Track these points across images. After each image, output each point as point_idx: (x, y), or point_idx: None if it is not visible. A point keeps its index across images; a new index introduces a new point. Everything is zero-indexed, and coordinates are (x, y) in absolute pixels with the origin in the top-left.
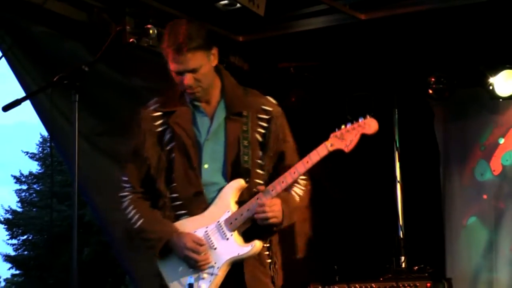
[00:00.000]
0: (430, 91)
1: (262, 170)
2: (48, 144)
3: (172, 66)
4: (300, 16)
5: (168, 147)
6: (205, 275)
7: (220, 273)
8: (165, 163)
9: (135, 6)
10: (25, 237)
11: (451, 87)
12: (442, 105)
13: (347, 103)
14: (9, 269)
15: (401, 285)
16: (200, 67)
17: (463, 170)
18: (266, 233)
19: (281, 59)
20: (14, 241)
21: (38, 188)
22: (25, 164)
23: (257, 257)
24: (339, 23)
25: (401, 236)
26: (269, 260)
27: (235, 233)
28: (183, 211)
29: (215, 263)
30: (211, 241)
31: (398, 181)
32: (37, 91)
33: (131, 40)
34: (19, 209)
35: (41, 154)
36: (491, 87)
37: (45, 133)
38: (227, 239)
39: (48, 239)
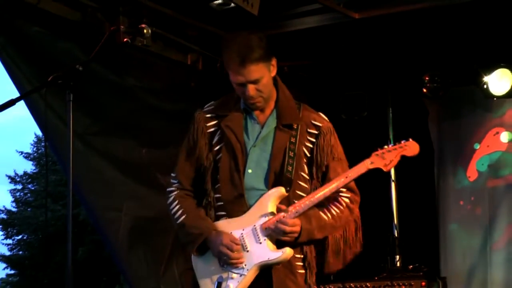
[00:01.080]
0: (424, 90)
1: (306, 183)
2: (42, 143)
3: (235, 78)
4: (293, 15)
5: (216, 148)
6: (234, 275)
7: (248, 275)
8: (211, 163)
9: (129, 6)
10: (20, 237)
11: (445, 86)
12: (436, 103)
13: (341, 102)
14: (4, 269)
15: (396, 284)
16: (262, 78)
17: (456, 169)
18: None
19: (276, 58)
20: (9, 241)
21: (32, 188)
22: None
23: (288, 265)
24: (333, 22)
25: (396, 235)
26: (302, 271)
27: (268, 240)
28: (223, 212)
29: (245, 264)
30: (245, 243)
31: (393, 180)
32: (31, 91)
33: (125, 39)
34: (13, 209)
35: (35, 154)
36: (485, 86)
37: (40, 133)
38: (260, 243)
39: (42, 239)
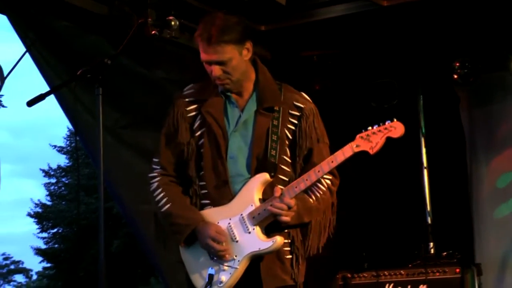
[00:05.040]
0: (455, 76)
1: (288, 167)
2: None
3: (202, 56)
4: (321, 4)
5: (198, 133)
6: (225, 267)
7: (240, 267)
8: (194, 149)
9: None
10: (55, 230)
11: (476, 72)
12: (467, 90)
13: (371, 90)
14: (40, 262)
15: (430, 272)
16: (229, 60)
17: (489, 155)
18: (284, 228)
19: (303, 47)
20: (45, 234)
21: (66, 181)
22: (53, 158)
23: (275, 253)
24: (361, 10)
25: (429, 222)
26: (290, 256)
27: (257, 228)
28: (207, 201)
29: (235, 256)
30: (233, 233)
31: (425, 167)
32: (60, 85)
33: (153, 32)
34: (48, 203)
35: (68, 148)
36: None
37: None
38: (249, 232)
39: (77, 232)
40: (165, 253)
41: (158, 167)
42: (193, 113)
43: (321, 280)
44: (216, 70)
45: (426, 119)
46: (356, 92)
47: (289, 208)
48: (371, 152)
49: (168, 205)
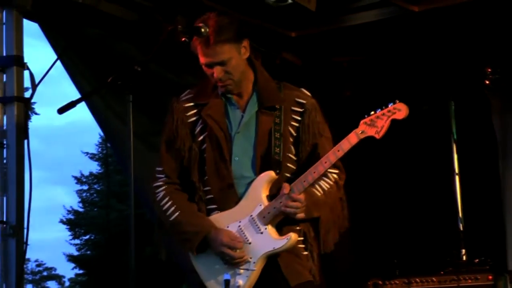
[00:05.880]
0: (487, 82)
1: (293, 164)
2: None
3: (201, 59)
4: (351, 10)
5: (200, 138)
6: (241, 271)
7: (257, 268)
8: (197, 154)
9: (186, 5)
10: (87, 237)
11: (507, 77)
12: (498, 95)
13: (402, 96)
14: (72, 268)
15: (462, 279)
16: (229, 60)
17: None
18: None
19: (334, 53)
20: (77, 241)
21: (98, 188)
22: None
23: (292, 249)
24: (392, 15)
25: (461, 228)
26: (306, 253)
27: (269, 227)
28: (213, 206)
29: (250, 258)
30: (245, 236)
31: (457, 173)
32: (91, 92)
33: (183, 39)
34: (80, 209)
35: (100, 155)
36: None
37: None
38: (262, 233)
39: (108, 239)
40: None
41: (163, 176)
42: (194, 118)
43: (352, 287)
44: (217, 72)
45: (457, 125)
46: (387, 98)
47: (302, 203)
48: (377, 136)
49: (177, 213)
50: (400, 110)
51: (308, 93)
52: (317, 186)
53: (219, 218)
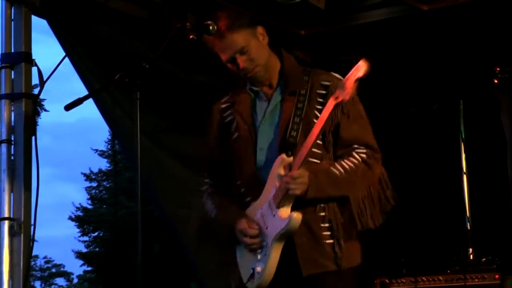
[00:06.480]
0: (496, 81)
1: (319, 149)
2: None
3: (223, 57)
4: (360, 8)
5: (234, 137)
6: (259, 256)
7: (272, 253)
8: (230, 153)
9: (197, 3)
10: (96, 234)
11: None
12: (508, 94)
13: (411, 95)
14: (81, 265)
15: (469, 278)
16: (248, 46)
17: None
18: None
19: (343, 52)
20: (85, 238)
21: (107, 185)
22: (94, 162)
23: (313, 237)
24: (401, 14)
25: (469, 228)
26: (331, 241)
27: (281, 208)
28: (249, 198)
29: (266, 243)
30: (263, 222)
31: (465, 173)
32: (98, 89)
33: (191, 36)
34: (89, 206)
35: (109, 152)
36: None
37: None
38: (274, 215)
39: (117, 236)
40: (203, 257)
41: (206, 180)
42: (230, 118)
43: (359, 286)
44: (242, 62)
45: (466, 124)
46: (396, 96)
47: (294, 179)
48: (347, 97)
49: (214, 211)
50: (360, 67)
51: (337, 75)
52: (337, 165)
53: (252, 210)
